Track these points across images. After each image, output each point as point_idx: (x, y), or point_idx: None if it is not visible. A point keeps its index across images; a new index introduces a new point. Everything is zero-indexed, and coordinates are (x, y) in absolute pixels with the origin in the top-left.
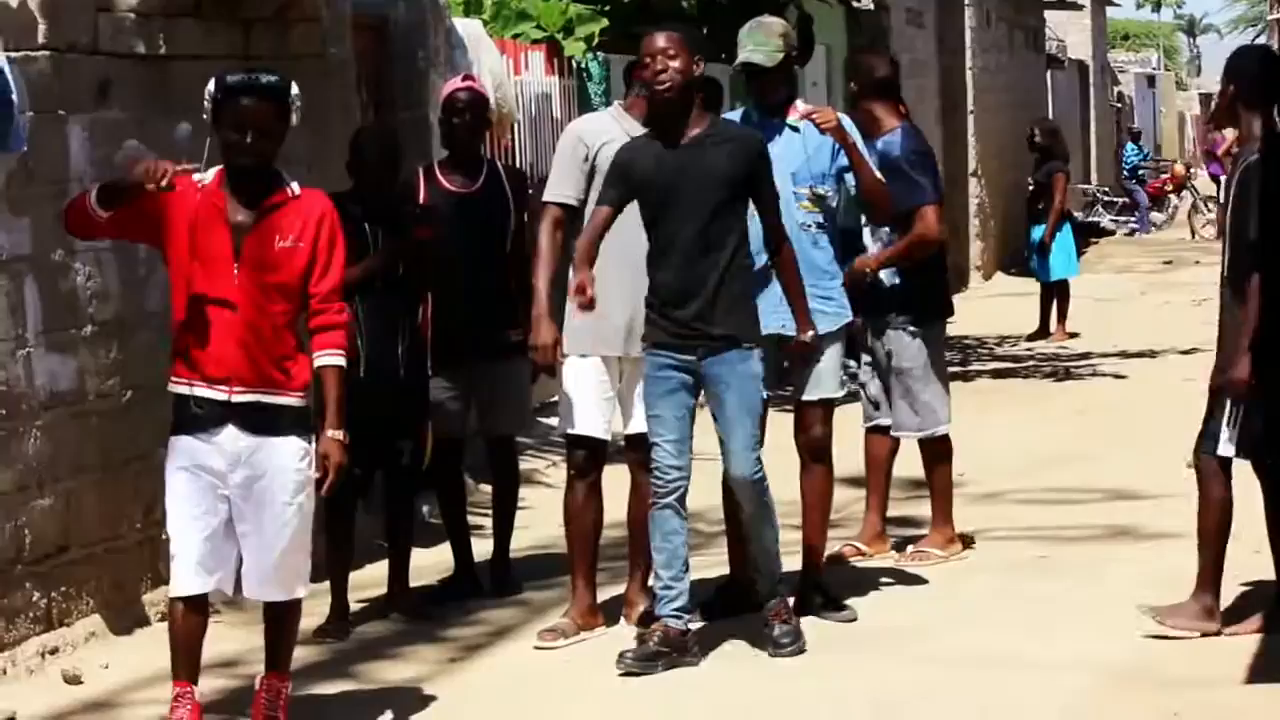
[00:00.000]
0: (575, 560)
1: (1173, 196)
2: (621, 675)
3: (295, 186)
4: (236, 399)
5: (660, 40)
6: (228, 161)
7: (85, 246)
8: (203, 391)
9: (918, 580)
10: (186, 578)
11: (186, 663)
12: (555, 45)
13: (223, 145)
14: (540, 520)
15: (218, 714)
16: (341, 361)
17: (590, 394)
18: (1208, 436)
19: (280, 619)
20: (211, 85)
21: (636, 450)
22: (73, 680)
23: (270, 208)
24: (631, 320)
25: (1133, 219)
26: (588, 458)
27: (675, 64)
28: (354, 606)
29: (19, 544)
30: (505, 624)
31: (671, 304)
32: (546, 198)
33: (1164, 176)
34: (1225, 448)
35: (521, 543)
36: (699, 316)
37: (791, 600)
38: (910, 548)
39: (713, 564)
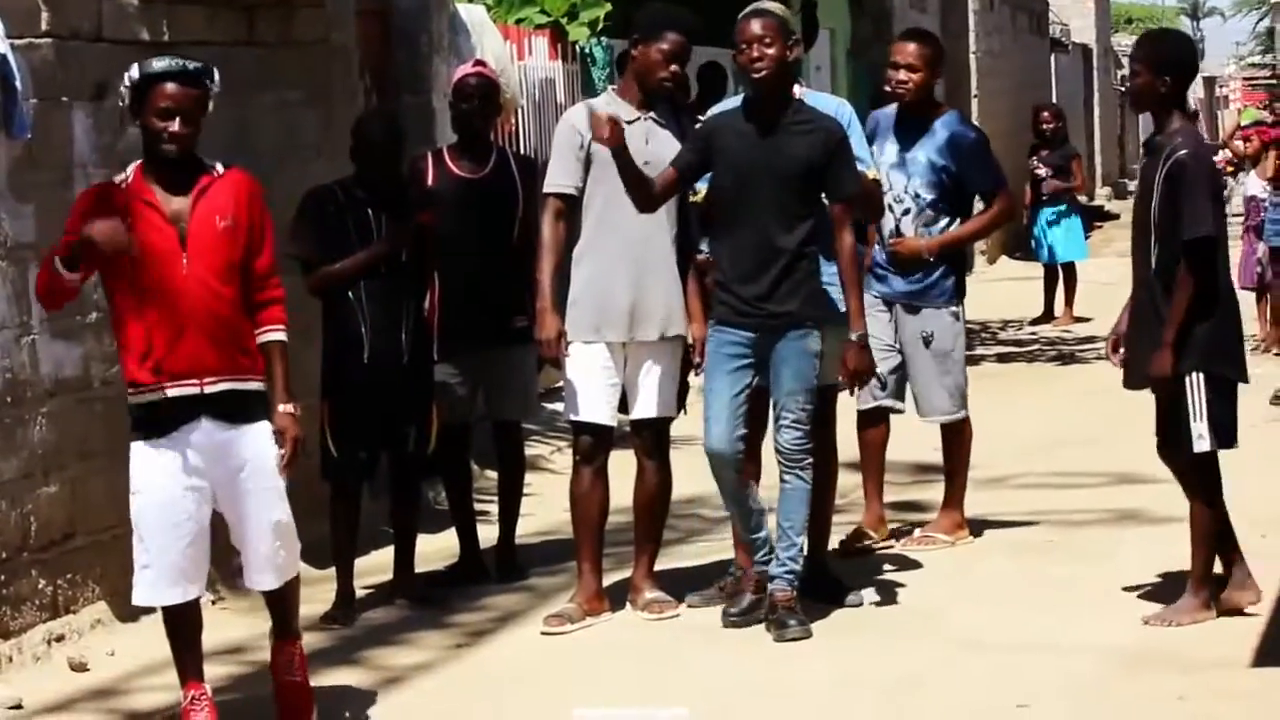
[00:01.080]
0: (581, 546)
1: (1230, 180)
2: (726, 628)
3: (218, 166)
4: (209, 389)
5: (756, 27)
6: (152, 151)
7: None
8: (173, 391)
9: (926, 564)
10: (166, 589)
11: (192, 663)
12: (559, 30)
13: (146, 134)
14: (546, 506)
15: (225, 696)
16: (284, 336)
17: (595, 380)
18: (1185, 441)
19: (281, 599)
20: (133, 71)
21: (641, 435)
22: (79, 667)
23: (202, 191)
24: (634, 305)
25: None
26: (593, 443)
27: (771, 50)
28: (359, 592)
29: (24, 531)
30: (511, 609)
31: (737, 281)
32: (546, 189)
33: (1220, 158)
34: (1200, 444)
35: (527, 528)
36: (763, 295)
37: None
38: (917, 531)
39: (718, 550)
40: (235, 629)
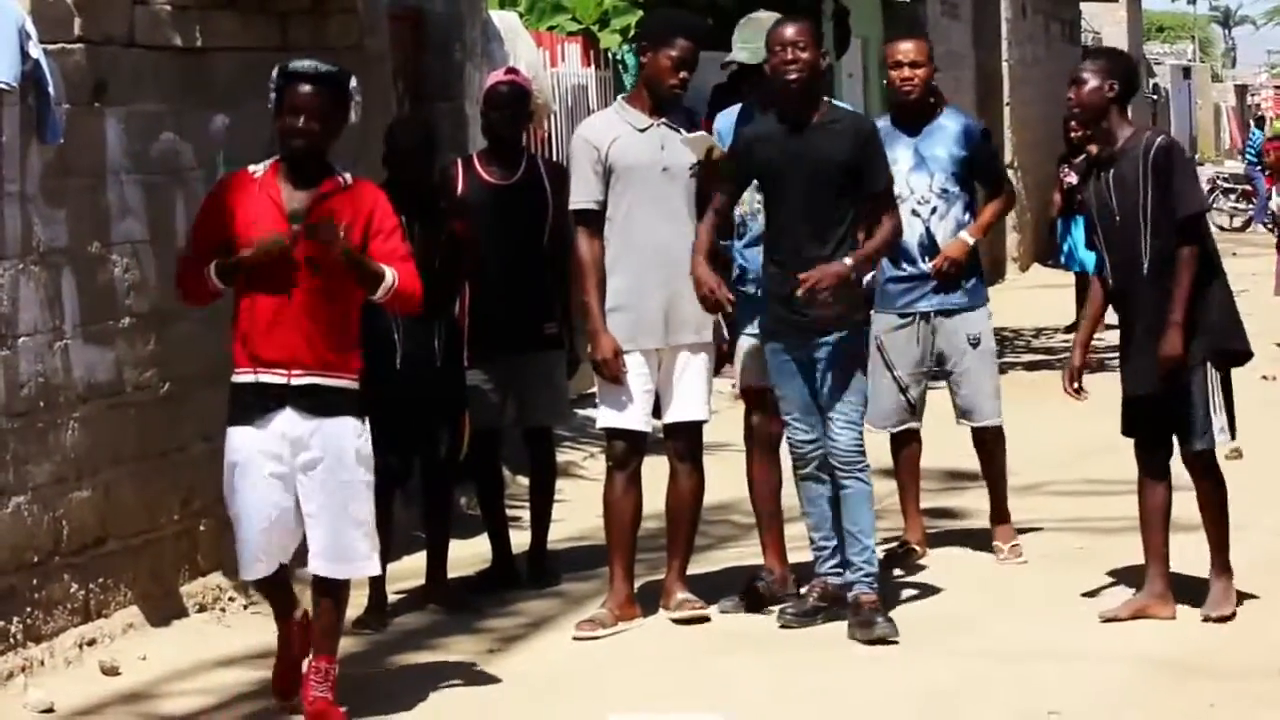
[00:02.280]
0: (614, 552)
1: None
2: (781, 628)
3: (347, 176)
4: (295, 382)
5: (790, 32)
6: (283, 146)
7: (122, 238)
8: (263, 377)
9: (957, 574)
10: (251, 564)
11: (279, 605)
12: (591, 37)
13: (278, 131)
14: (578, 512)
15: (253, 703)
16: (392, 274)
17: (630, 386)
18: (1204, 434)
19: (332, 599)
20: (275, 73)
21: (675, 440)
22: (110, 671)
23: (324, 195)
24: (668, 310)
25: (1251, 207)
26: (627, 449)
27: (805, 55)
28: (392, 598)
29: (57, 535)
30: (543, 615)
31: (783, 287)
32: (572, 207)
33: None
34: (1221, 437)
35: (559, 534)
36: (808, 300)
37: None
38: (1006, 548)
39: (749, 556)
40: (268, 634)
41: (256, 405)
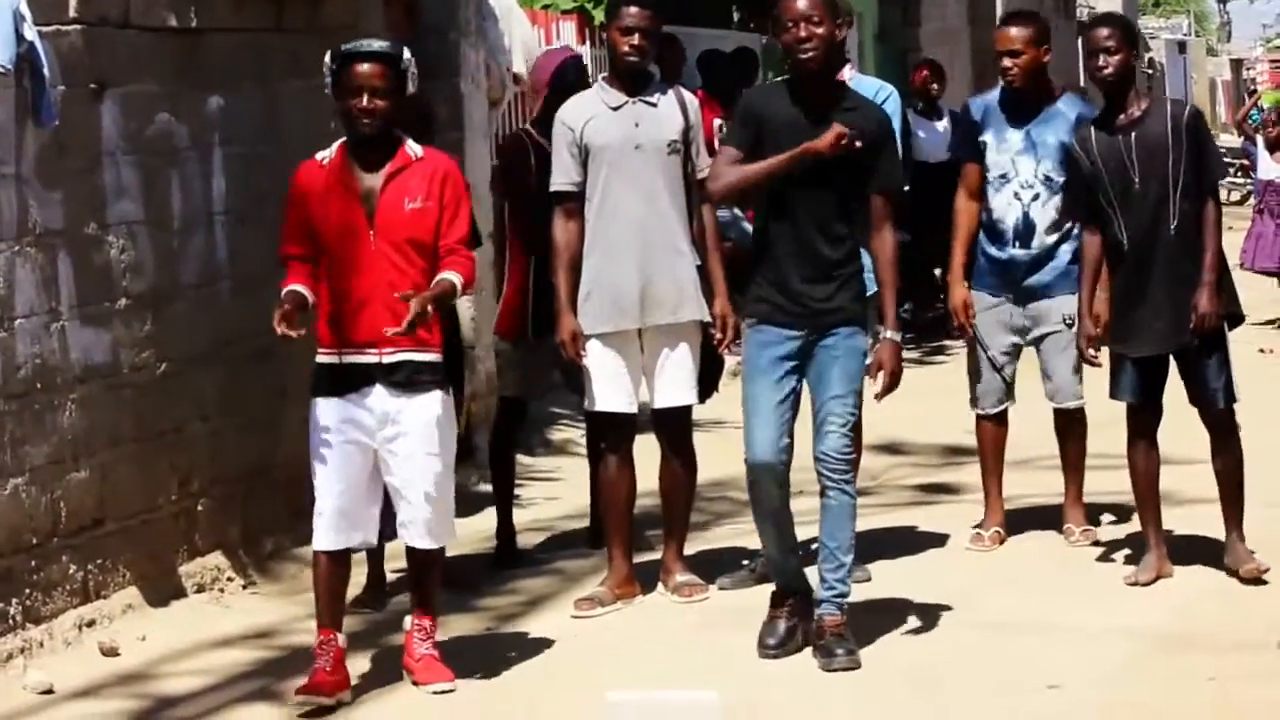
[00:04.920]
0: (611, 531)
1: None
2: (763, 659)
3: (417, 148)
4: (387, 359)
5: (803, 4)
6: (348, 129)
7: (118, 219)
8: (351, 358)
9: (954, 547)
10: (326, 534)
11: (328, 610)
12: (585, 15)
13: (342, 114)
14: (576, 490)
15: (256, 681)
16: (458, 279)
17: (613, 370)
18: (1228, 390)
19: (425, 565)
20: (328, 58)
21: (663, 425)
22: (110, 652)
23: (395, 171)
24: (644, 290)
25: (1249, 182)
26: (616, 432)
27: (820, 30)
28: (390, 576)
29: (55, 517)
30: (542, 593)
31: (782, 275)
32: (552, 188)
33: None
34: (1236, 392)
35: (556, 512)
36: (812, 291)
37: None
38: (1077, 530)
39: (747, 533)
40: (267, 614)
41: (343, 384)
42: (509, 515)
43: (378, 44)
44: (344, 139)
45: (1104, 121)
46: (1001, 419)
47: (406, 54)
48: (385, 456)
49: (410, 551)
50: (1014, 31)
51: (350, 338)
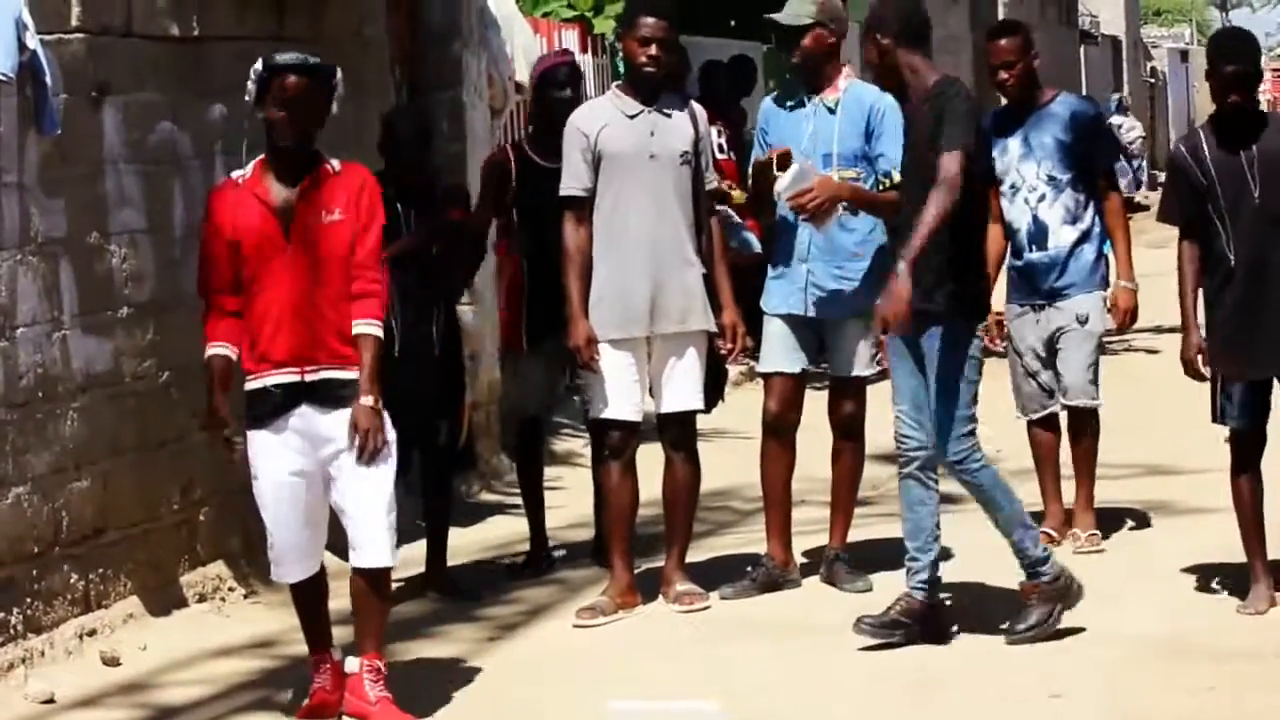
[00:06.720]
0: (612, 540)
1: None
2: (857, 634)
3: (335, 163)
4: (310, 378)
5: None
6: (269, 141)
7: (120, 228)
8: (276, 379)
9: (957, 556)
10: (291, 568)
11: (312, 632)
12: (587, 23)
13: (266, 125)
14: (577, 499)
15: (257, 691)
16: (377, 331)
17: (619, 377)
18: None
19: (374, 590)
20: (258, 65)
21: (669, 430)
22: (111, 662)
23: (313, 185)
24: (653, 298)
25: None
26: (620, 439)
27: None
28: (391, 586)
29: (56, 526)
30: (543, 602)
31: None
32: (562, 192)
33: None
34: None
35: (557, 521)
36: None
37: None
38: (1084, 536)
39: (750, 543)
40: (268, 624)
41: (272, 407)
42: (541, 528)
43: (310, 59)
44: (261, 155)
45: (1221, 132)
46: (1048, 423)
47: (338, 74)
48: (329, 476)
49: (357, 578)
50: (1005, 43)
51: (273, 357)
